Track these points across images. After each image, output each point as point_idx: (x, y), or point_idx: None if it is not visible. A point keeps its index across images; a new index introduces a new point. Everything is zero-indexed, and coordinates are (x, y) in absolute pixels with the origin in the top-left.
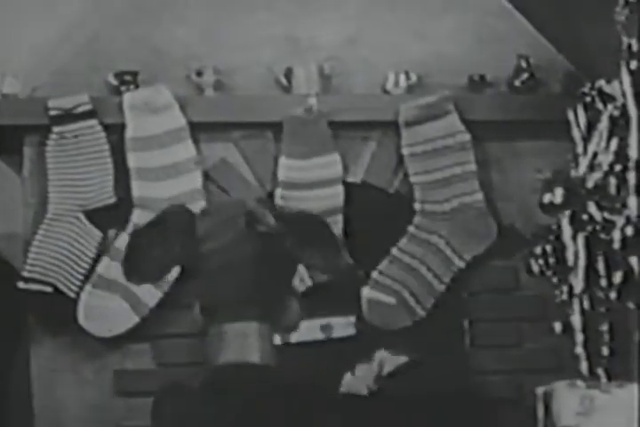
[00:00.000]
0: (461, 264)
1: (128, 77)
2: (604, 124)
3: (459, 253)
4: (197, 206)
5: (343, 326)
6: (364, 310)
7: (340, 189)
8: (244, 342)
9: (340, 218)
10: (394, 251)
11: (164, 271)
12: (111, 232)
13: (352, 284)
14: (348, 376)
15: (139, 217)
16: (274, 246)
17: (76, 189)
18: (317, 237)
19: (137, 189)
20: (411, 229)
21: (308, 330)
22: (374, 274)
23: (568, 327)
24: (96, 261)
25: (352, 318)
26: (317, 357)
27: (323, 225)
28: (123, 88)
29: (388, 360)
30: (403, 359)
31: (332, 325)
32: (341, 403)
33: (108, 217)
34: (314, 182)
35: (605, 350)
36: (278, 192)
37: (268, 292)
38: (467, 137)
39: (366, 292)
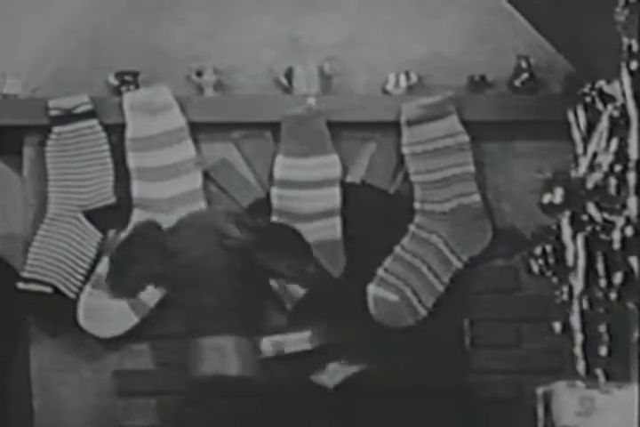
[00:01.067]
0: (459, 265)
1: (128, 78)
2: (603, 125)
3: (456, 253)
4: (198, 206)
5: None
6: (370, 308)
7: (336, 191)
8: (221, 355)
9: (337, 221)
10: (397, 249)
11: (141, 286)
12: (111, 232)
13: (324, 291)
14: None
15: (139, 217)
16: (242, 260)
17: (76, 189)
18: (286, 248)
19: (137, 189)
20: (412, 227)
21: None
22: (380, 271)
23: (568, 328)
24: (96, 261)
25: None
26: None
27: (293, 235)
28: (123, 88)
29: (338, 372)
30: (353, 369)
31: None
32: (329, 408)
33: (107, 217)
34: (310, 182)
35: (604, 351)
36: (274, 191)
37: (242, 305)
38: (466, 138)
39: (372, 289)
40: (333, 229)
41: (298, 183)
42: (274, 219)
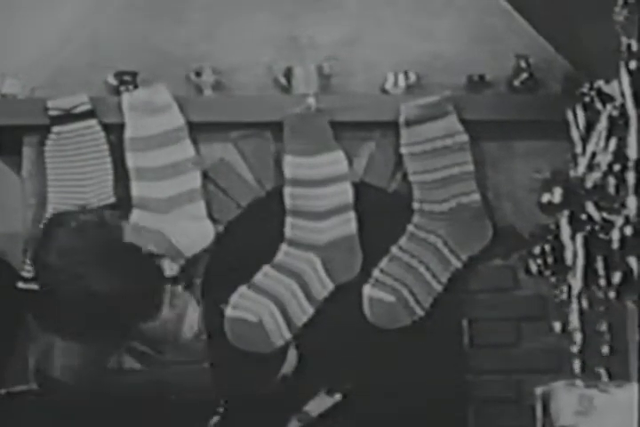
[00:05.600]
0: (458, 264)
1: (127, 77)
2: (602, 124)
3: (456, 253)
4: (197, 206)
5: None
6: (365, 309)
7: (347, 185)
8: (50, 356)
9: (352, 215)
10: (394, 249)
11: None
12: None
13: None
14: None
15: (138, 217)
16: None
17: (76, 188)
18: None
19: (136, 188)
20: (410, 228)
21: None
22: (375, 272)
23: (567, 327)
24: None
25: None
26: None
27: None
28: (122, 88)
29: (315, 407)
30: (332, 400)
31: None
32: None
33: None
34: (321, 180)
35: (606, 349)
36: (287, 190)
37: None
38: (465, 138)
39: (368, 290)
40: (348, 223)
41: (308, 182)
42: (287, 220)
